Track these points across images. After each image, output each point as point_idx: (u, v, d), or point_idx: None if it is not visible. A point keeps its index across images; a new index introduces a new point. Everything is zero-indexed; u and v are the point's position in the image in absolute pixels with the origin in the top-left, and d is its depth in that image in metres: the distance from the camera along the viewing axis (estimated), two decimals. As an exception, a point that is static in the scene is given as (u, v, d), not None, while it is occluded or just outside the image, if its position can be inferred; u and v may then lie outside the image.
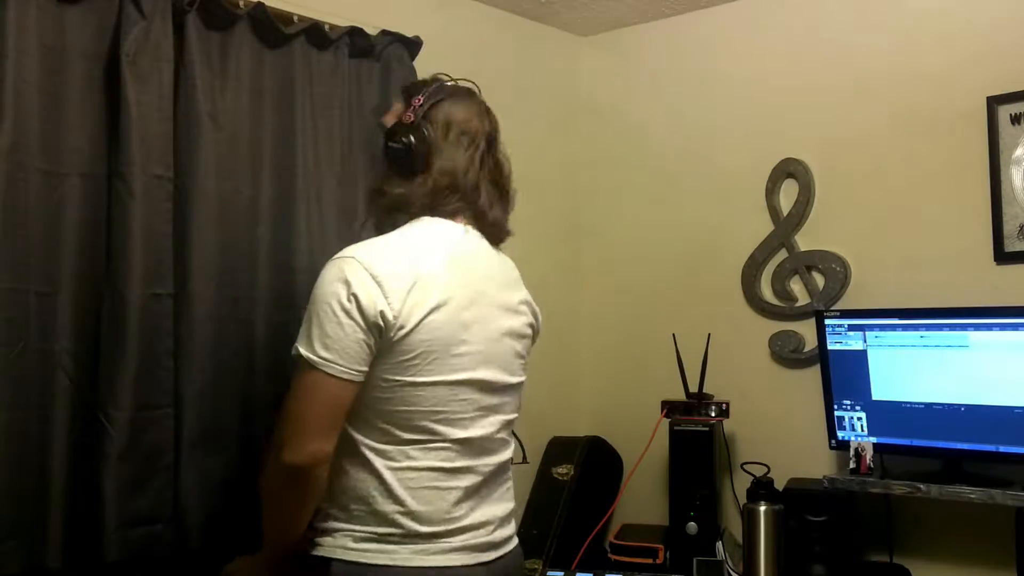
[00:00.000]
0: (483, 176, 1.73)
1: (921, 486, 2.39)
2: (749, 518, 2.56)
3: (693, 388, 2.83)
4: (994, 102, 2.51)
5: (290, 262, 2.32)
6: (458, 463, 1.66)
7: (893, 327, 2.50)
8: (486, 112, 1.81)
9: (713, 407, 2.79)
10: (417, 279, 1.59)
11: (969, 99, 2.55)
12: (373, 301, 1.55)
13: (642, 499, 3.03)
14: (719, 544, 2.67)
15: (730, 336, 2.92)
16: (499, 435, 1.75)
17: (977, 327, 2.39)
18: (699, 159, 3.06)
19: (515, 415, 1.81)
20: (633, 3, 3.07)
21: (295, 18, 2.38)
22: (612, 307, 3.24)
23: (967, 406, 2.40)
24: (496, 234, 1.79)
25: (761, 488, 2.58)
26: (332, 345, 1.55)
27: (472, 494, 1.68)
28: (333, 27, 2.47)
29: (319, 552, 1.62)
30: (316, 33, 2.41)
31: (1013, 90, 2.48)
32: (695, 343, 2.84)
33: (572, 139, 3.32)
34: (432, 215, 1.71)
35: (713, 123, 3.04)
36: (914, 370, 2.49)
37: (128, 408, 2.00)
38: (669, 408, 2.83)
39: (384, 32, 2.57)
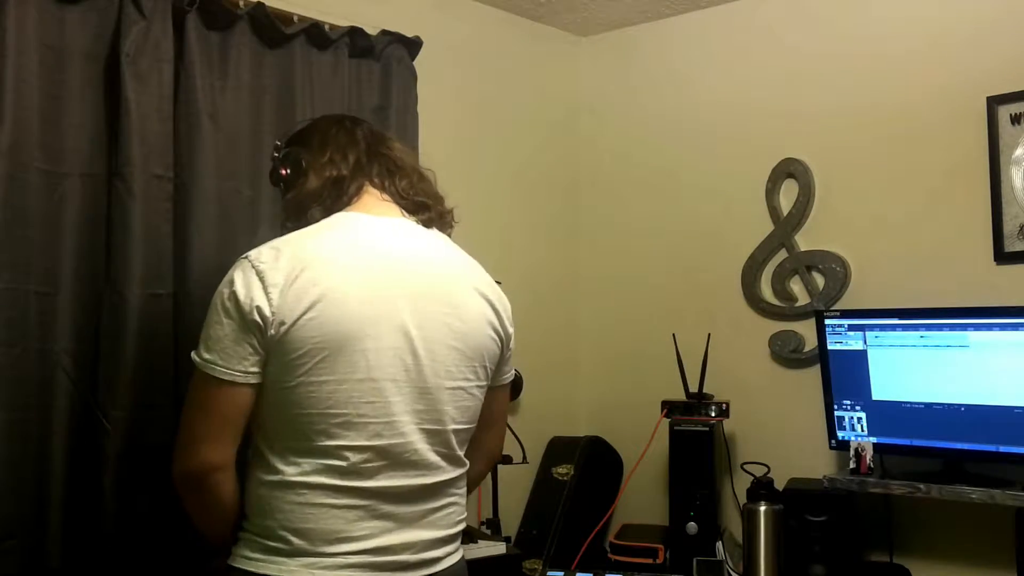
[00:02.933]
0: (366, 158, 1.69)
1: (921, 486, 2.39)
2: (749, 518, 2.56)
3: (693, 388, 2.83)
4: (994, 102, 2.51)
5: (290, 262, 2.32)
6: (362, 482, 1.51)
7: (893, 327, 2.50)
8: (353, 120, 1.80)
9: (713, 407, 2.79)
10: (302, 271, 1.48)
11: (969, 99, 2.55)
12: (251, 297, 1.47)
13: (642, 499, 3.03)
14: (719, 544, 2.67)
15: (730, 336, 2.92)
16: (428, 446, 1.57)
17: (977, 327, 2.39)
18: (699, 159, 3.06)
19: (461, 426, 1.62)
20: (633, 3, 3.07)
21: (295, 18, 2.39)
22: (612, 307, 3.24)
23: (967, 406, 2.40)
24: (413, 207, 1.68)
25: (761, 488, 2.58)
26: (213, 346, 1.49)
27: (386, 516, 1.53)
28: (333, 27, 2.47)
29: (229, 560, 1.57)
30: (316, 33, 2.41)
31: (1013, 90, 2.48)
32: (695, 343, 2.84)
33: (572, 139, 3.32)
34: (339, 207, 1.64)
35: (713, 123, 3.04)
36: (914, 370, 2.49)
37: (128, 408, 2.00)
38: (669, 408, 2.83)
39: (384, 32, 2.57)
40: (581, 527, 2.87)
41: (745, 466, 2.71)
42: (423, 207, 1.68)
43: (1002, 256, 2.50)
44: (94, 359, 2.01)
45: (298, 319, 1.46)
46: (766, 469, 2.64)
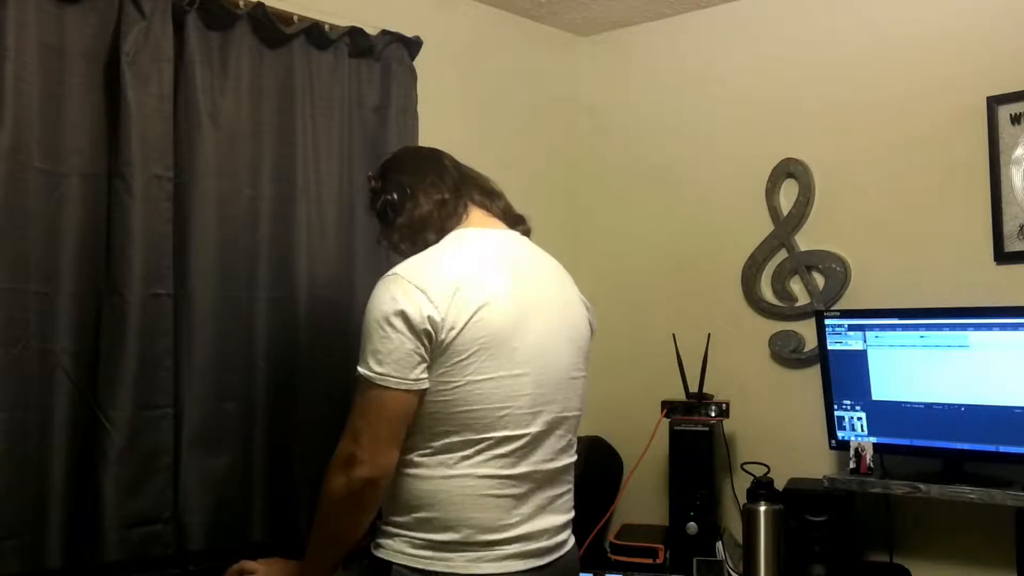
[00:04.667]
0: (460, 182, 1.86)
1: (921, 486, 2.39)
2: (749, 518, 2.56)
3: (693, 388, 2.83)
4: (994, 102, 2.51)
5: (290, 262, 2.32)
6: (515, 469, 1.68)
7: (893, 327, 2.50)
8: (432, 150, 1.98)
9: (713, 407, 2.79)
10: (460, 281, 1.64)
11: (969, 99, 2.55)
12: (419, 308, 1.61)
13: (642, 499, 3.03)
14: (719, 544, 2.67)
15: (730, 336, 2.91)
16: (557, 432, 1.76)
17: (977, 327, 2.39)
18: (699, 159, 3.06)
19: (577, 412, 1.84)
20: (633, 3, 3.07)
21: (295, 18, 2.39)
22: (612, 307, 3.23)
23: (967, 406, 2.40)
24: (512, 220, 1.89)
25: (761, 488, 2.58)
26: (384, 359, 1.62)
27: (529, 502, 1.70)
28: (333, 27, 2.47)
29: (380, 554, 1.68)
30: (316, 33, 2.41)
31: (1013, 90, 2.48)
32: (695, 343, 2.84)
33: (572, 139, 3.32)
34: (450, 226, 1.80)
35: (713, 123, 3.04)
36: (914, 370, 2.49)
37: (128, 408, 2.01)
38: (669, 408, 2.83)
39: (384, 32, 2.57)
40: (581, 527, 2.86)
41: (745, 466, 2.71)
42: (520, 220, 1.92)
43: (1002, 256, 2.50)
44: (94, 359, 2.01)
45: (466, 324, 1.62)
46: (766, 469, 2.64)
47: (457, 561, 1.63)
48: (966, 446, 2.40)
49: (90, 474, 1.99)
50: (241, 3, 2.28)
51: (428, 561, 1.63)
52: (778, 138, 2.88)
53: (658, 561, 2.75)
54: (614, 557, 2.82)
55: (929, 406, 2.46)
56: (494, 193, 1.90)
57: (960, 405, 2.41)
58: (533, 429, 1.70)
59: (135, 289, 2.02)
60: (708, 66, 3.07)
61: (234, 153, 2.24)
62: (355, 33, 2.49)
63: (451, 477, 1.65)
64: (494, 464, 1.66)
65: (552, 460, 1.75)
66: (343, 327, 2.35)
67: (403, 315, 1.61)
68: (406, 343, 1.61)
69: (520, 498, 1.69)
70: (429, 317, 1.61)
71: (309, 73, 2.39)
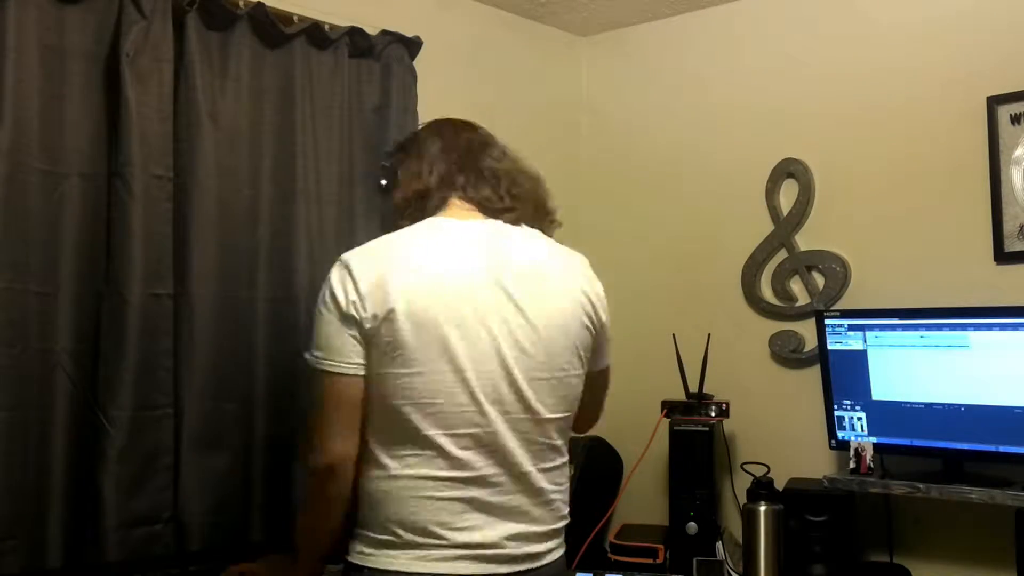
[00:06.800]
0: (457, 168, 1.77)
1: (921, 486, 2.39)
2: (749, 518, 2.56)
3: (693, 388, 2.83)
4: (994, 102, 2.51)
5: (290, 262, 2.32)
6: (460, 472, 1.60)
7: (893, 327, 2.50)
8: (462, 127, 1.91)
9: (713, 407, 2.79)
10: (390, 269, 1.60)
11: (969, 99, 2.55)
12: (346, 293, 1.60)
13: (642, 499, 3.03)
14: (719, 544, 2.67)
15: (730, 336, 2.91)
16: (526, 436, 1.65)
17: (977, 327, 2.39)
18: (699, 159, 3.06)
19: (555, 415, 1.69)
20: (633, 3, 3.07)
21: (295, 18, 2.39)
22: (612, 307, 3.20)
23: (967, 406, 2.40)
24: (493, 211, 1.75)
25: (761, 488, 2.57)
26: (322, 343, 1.62)
27: (482, 507, 1.61)
28: (333, 27, 2.47)
29: (347, 556, 1.67)
30: (316, 33, 2.41)
31: (1013, 90, 2.48)
32: (695, 343, 2.84)
33: (572, 139, 3.32)
34: (427, 214, 1.74)
35: (713, 123, 3.04)
36: (914, 370, 2.49)
37: (128, 408, 2.01)
38: (669, 408, 2.83)
39: (384, 32, 2.57)
40: (581, 527, 2.87)
41: (745, 466, 2.71)
42: (508, 209, 1.77)
43: (1002, 256, 2.50)
44: (94, 359, 2.02)
45: (388, 313, 1.57)
46: (766, 469, 2.64)
47: (400, 559, 1.59)
48: (966, 446, 2.40)
49: (90, 474, 1.99)
50: (241, 3, 2.28)
51: (372, 558, 1.61)
52: (778, 138, 2.88)
53: (658, 561, 2.75)
54: (614, 557, 2.82)
55: (929, 406, 2.46)
56: (485, 182, 1.78)
57: (960, 405, 2.41)
58: (480, 430, 1.60)
59: (135, 289, 2.03)
60: (708, 66, 3.07)
61: (234, 153, 2.24)
62: (355, 33, 2.49)
63: (391, 478, 1.61)
64: (433, 465, 1.60)
65: (520, 465, 1.64)
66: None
67: (334, 299, 1.61)
68: (340, 327, 1.60)
69: (474, 503, 1.61)
70: (353, 303, 1.59)
71: (309, 73, 2.39)
